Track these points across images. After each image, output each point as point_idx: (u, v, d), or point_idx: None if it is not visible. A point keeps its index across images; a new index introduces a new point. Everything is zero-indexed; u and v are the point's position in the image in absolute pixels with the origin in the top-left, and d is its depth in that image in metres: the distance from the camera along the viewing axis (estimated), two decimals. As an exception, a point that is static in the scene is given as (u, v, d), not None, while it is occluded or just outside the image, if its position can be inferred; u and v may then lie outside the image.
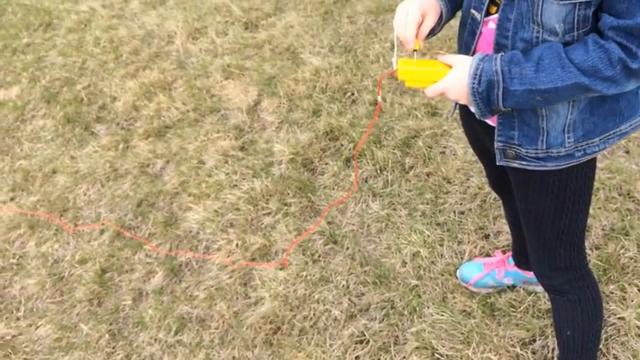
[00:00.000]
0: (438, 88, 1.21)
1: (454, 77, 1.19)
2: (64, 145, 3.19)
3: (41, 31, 4.27)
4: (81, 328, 2.30)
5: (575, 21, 1.07)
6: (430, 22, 1.25)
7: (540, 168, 1.28)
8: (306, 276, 2.27)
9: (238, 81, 3.29)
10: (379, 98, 1.72)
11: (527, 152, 1.26)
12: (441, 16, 1.29)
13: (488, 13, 1.20)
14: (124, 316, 2.32)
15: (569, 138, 1.22)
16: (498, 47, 1.18)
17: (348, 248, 2.33)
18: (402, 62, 1.24)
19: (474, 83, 1.14)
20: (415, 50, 1.24)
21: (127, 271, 2.46)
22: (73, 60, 3.82)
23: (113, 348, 2.22)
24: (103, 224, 2.65)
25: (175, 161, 2.90)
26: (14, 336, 2.34)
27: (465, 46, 1.29)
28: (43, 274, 2.53)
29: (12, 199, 2.93)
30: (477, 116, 1.23)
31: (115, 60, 3.72)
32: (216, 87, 3.30)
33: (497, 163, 1.32)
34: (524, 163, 1.29)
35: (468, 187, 2.40)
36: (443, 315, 2.01)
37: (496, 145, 1.29)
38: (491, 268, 2.06)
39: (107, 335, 2.25)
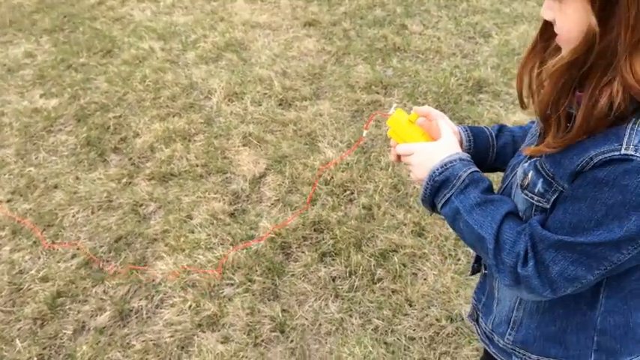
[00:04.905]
0: (410, 148, 1.16)
1: (431, 148, 1.13)
2: (75, 164, 3.33)
3: (100, 56, 4.56)
4: (16, 345, 2.33)
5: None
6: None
7: (486, 347, 1.25)
8: (242, 357, 2.25)
9: (253, 150, 3.41)
10: (364, 133, 1.86)
11: (484, 324, 1.26)
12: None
13: None
14: (59, 345, 2.34)
15: (509, 335, 1.18)
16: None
17: (292, 341, 2.32)
18: (400, 112, 1.22)
19: (437, 169, 1.08)
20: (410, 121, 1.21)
21: (79, 301, 2.50)
22: (116, 89, 4.04)
23: (36, 372, 2.23)
24: (77, 247, 2.72)
25: (167, 209, 2.99)
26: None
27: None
28: (4, 280, 2.59)
29: (8, 201, 3.06)
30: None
31: (153, 100, 3.92)
32: (231, 150, 3.42)
33: (466, 318, 1.34)
34: (479, 332, 1.29)
35: (427, 315, 2.37)
36: None
37: (472, 300, 1.32)
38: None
39: (36, 358, 2.27)
